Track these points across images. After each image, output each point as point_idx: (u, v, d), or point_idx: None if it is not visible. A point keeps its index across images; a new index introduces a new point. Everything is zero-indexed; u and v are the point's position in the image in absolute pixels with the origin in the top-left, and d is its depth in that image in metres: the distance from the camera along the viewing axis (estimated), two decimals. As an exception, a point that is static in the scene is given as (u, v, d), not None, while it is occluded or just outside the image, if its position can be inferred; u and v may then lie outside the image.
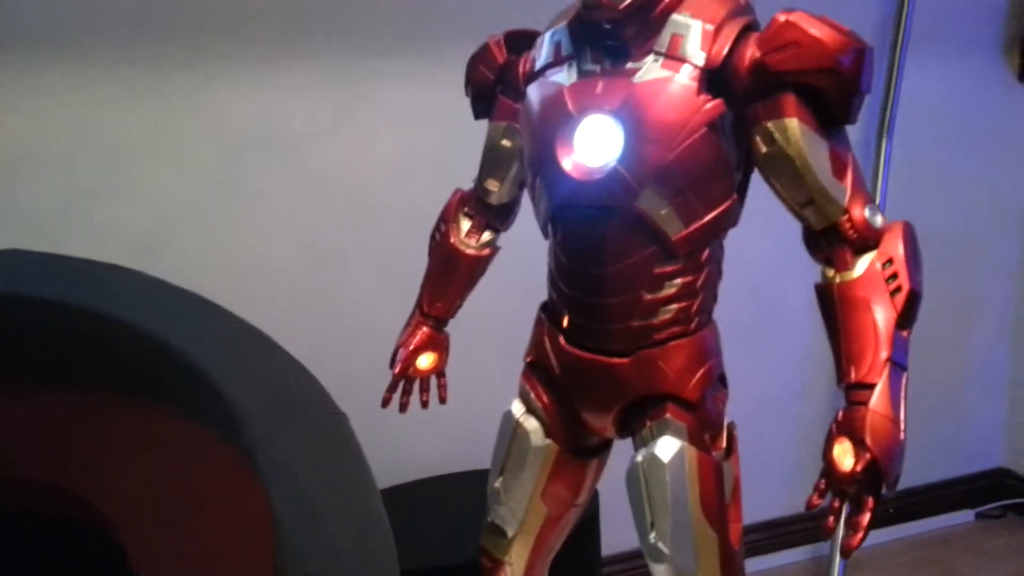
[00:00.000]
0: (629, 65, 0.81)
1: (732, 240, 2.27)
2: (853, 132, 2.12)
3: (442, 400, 1.15)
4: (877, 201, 1.98)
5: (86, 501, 1.27)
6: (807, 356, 2.24)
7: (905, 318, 0.78)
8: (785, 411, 2.27)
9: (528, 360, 0.98)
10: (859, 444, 0.76)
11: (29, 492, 1.34)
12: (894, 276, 0.78)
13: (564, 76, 0.85)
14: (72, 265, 1.49)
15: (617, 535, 1.55)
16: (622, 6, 0.78)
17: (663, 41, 0.79)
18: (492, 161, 1.01)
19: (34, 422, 1.40)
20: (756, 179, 0.93)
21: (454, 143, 1.44)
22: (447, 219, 1.08)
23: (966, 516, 2.56)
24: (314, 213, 1.77)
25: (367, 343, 1.72)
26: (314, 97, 1.72)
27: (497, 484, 1.03)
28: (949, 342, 2.44)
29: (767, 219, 2.27)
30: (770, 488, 2.26)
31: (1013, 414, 2.55)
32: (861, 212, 0.79)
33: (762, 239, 2.07)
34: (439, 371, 1.13)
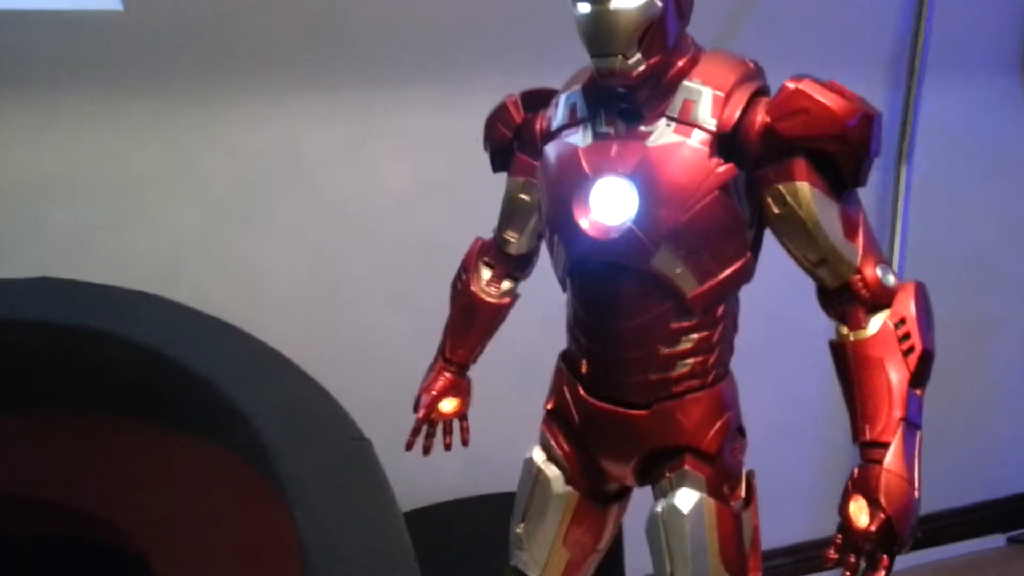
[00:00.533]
0: (642, 128, 0.82)
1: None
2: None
3: (464, 443, 1.17)
4: (898, 231, 1.98)
5: (113, 525, 1.28)
6: (825, 381, 2.21)
7: (918, 377, 0.79)
8: (804, 435, 2.25)
9: (548, 408, 0.99)
10: (874, 503, 0.78)
11: (56, 516, 1.35)
12: (907, 336, 0.79)
13: (579, 138, 0.87)
14: (98, 292, 1.52)
15: (642, 558, 1.54)
16: (635, 73, 0.79)
17: (675, 106, 0.81)
18: (511, 214, 1.04)
19: (61, 446, 1.42)
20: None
21: (463, 171, 1.46)
22: (468, 268, 1.10)
23: (997, 540, 2.52)
24: (327, 240, 1.78)
25: (381, 366, 1.74)
26: (326, 127, 1.74)
27: (519, 530, 1.04)
28: (971, 364, 2.43)
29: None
30: (791, 513, 2.24)
31: (1041, 436, 2.53)
32: (873, 271, 0.80)
33: (778, 265, 2.07)
34: (461, 415, 1.14)
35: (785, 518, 2.15)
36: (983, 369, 2.46)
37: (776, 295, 2.26)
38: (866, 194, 2.12)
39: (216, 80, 1.63)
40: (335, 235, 1.79)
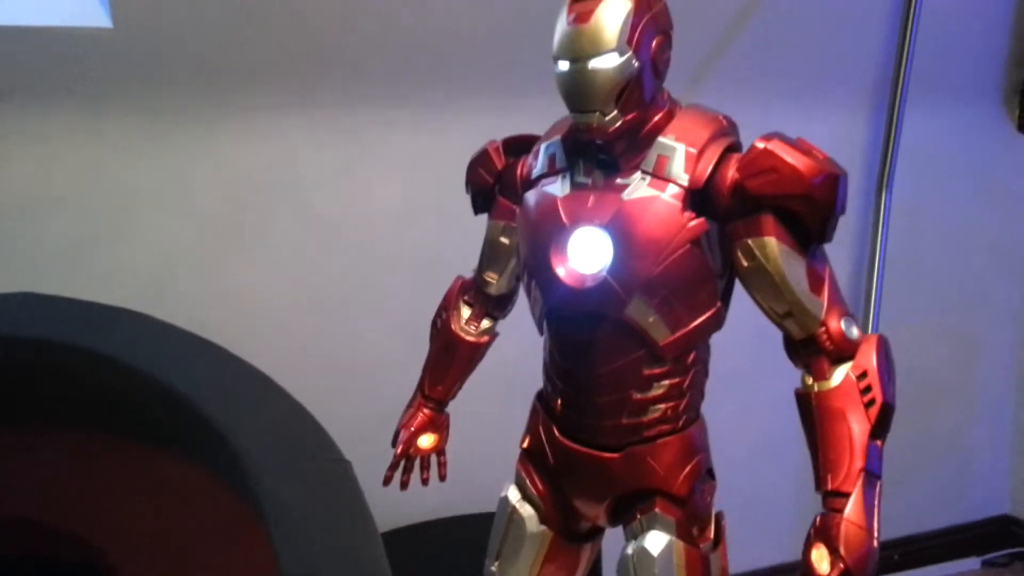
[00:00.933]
0: (618, 181, 0.85)
1: (738, 286, 2.30)
2: (853, 185, 2.17)
3: (442, 478, 1.19)
4: (877, 256, 2.00)
5: (90, 544, 1.28)
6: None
7: (879, 429, 0.82)
8: (788, 456, 2.26)
9: (524, 447, 1.01)
10: (834, 552, 0.80)
11: (32, 534, 1.35)
12: (868, 388, 0.82)
13: (558, 187, 0.89)
14: (82, 309, 1.51)
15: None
16: (611, 129, 0.83)
17: (650, 161, 0.84)
18: (491, 255, 1.06)
19: (41, 463, 1.41)
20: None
21: (454, 190, 1.47)
22: (448, 306, 1.12)
23: (972, 563, 2.53)
24: (318, 259, 1.79)
25: (369, 387, 1.74)
26: (319, 145, 1.75)
27: (494, 568, 1.06)
28: (952, 388, 2.45)
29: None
30: (773, 533, 2.25)
31: (1018, 460, 2.54)
32: (837, 324, 0.83)
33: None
34: (439, 450, 1.16)
35: (770, 538, 2.16)
36: (964, 391, 2.48)
37: (757, 311, 2.29)
38: (848, 219, 2.15)
39: (207, 98, 1.64)
40: (326, 253, 1.80)
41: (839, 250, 2.19)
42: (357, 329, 1.85)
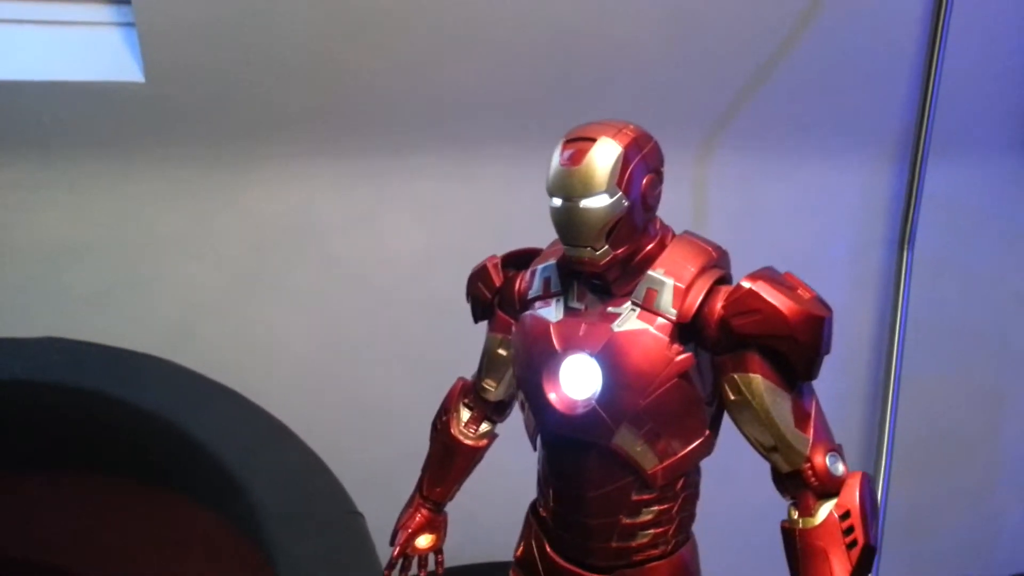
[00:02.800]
0: (610, 309, 0.87)
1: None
2: (874, 239, 2.16)
3: None
4: (899, 313, 1.98)
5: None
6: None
7: (859, 570, 0.82)
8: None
9: (516, 556, 1.01)
10: None
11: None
12: (851, 529, 0.82)
13: (552, 312, 0.91)
14: (105, 354, 1.54)
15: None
16: (602, 263, 0.84)
17: (639, 293, 0.86)
18: (489, 365, 1.08)
19: (59, 507, 1.43)
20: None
21: (475, 237, 1.48)
22: (448, 408, 1.13)
23: (999, 622, 2.49)
24: (339, 305, 1.81)
25: (387, 433, 1.75)
26: (341, 192, 1.77)
27: None
28: (976, 440, 2.41)
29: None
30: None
31: (1047, 515, 2.49)
32: (822, 461, 0.82)
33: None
34: (437, 550, 1.17)
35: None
36: (989, 444, 2.44)
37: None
38: (872, 272, 2.13)
39: (233, 148, 1.68)
40: (347, 299, 1.82)
41: (862, 303, 2.19)
42: (376, 375, 1.86)
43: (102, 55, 1.54)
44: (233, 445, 1.40)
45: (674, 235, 0.90)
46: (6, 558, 1.35)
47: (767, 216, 2.01)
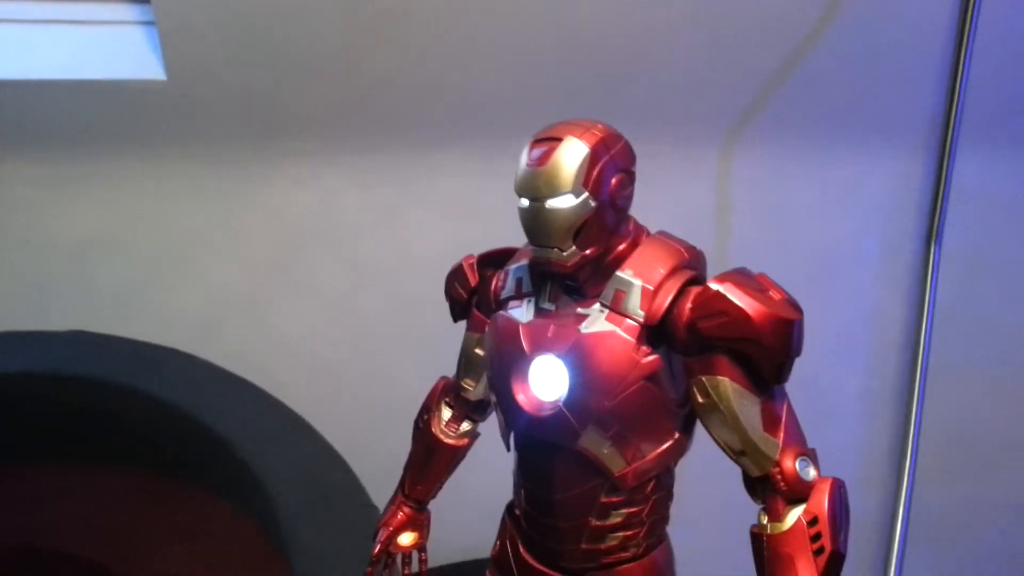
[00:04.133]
0: (579, 310, 0.86)
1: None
2: (905, 234, 2.12)
3: (422, 575, 1.20)
4: (926, 310, 1.94)
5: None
6: (864, 450, 2.19)
7: None
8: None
9: (492, 555, 1.01)
10: None
11: (72, 567, 1.39)
12: (818, 535, 0.80)
13: (523, 312, 0.90)
14: (131, 348, 1.57)
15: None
16: (570, 264, 0.83)
17: (608, 295, 0.85)
18: (467, 365, 1.07)
19: (82, 498, 1.46)
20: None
21: (498, 234, 1.48)
22: (430, 407, 1.14)
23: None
24: (361, 302, 1.82)
25: (405, 431, 1.74)
26: (365, 190, 1.78)
27: None
28: (1010, 443, 2.34)
29: (827, 311, 2.27)
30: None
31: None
32: (792, 465, 0.81)
33: (823, 330, 2.05)
34: (420, 547, 1.17)
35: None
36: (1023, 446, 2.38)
37: (812, 361, 2.24)
38: (900, 268, 2.09)
39: (257, 145, 1.69)
40: (369, 297, 1.83)
41: (893, 301, 2.16)
42: (396, 372, 1.86)
43: (124, 54, 1.56)
44: (252, 438, 1.42)
45: (648, 235, 0.88)
46: (29, 547, 1.38)
47: (793, 212, 1.98)
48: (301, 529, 1.28)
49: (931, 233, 1.94)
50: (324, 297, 1.79)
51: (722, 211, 1.97)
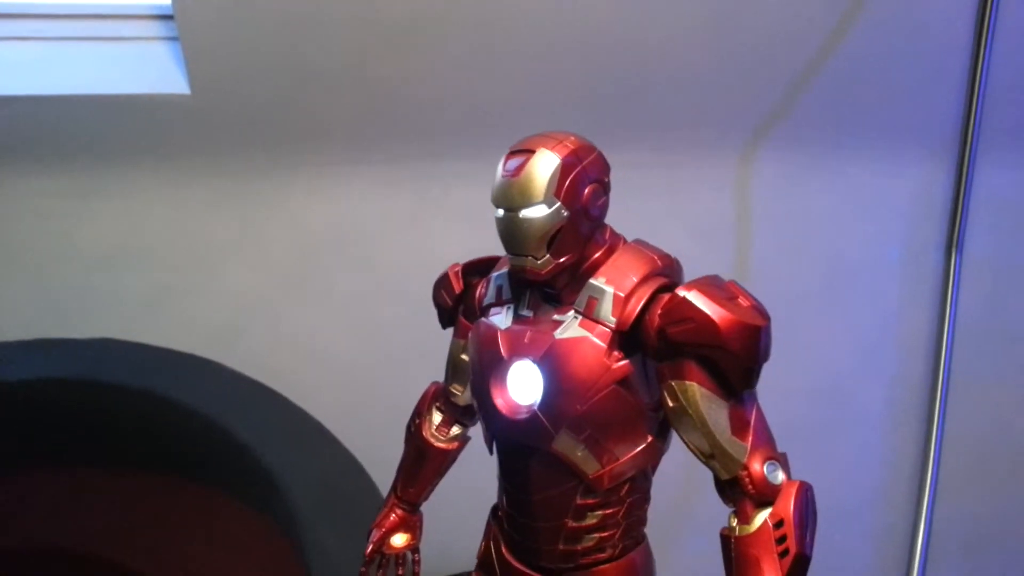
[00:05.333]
0: (555, 317, 0.88)
1: (812, 339, 2.24)
2: (928, 242, 2.10)
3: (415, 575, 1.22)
4: (948, 317, 1.93)
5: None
6: (887, 459, 2.17)
7: None
8: (861, 518, 2.19)
9: (478, 556, 1.03)
10: None
11: (102, 571, 1.42)
12: (783, 538, 0.80)
13: (502, 319, 0.93)
14: (156, 355, 1.61)
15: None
16: (544, 271, 0.86)
17: (581, 302, 0.87)
18: (454, 370, 1.10)
19: (109, 501, 1.50)
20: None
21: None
22: (421, 412, 1.16)
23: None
24: (381, 310, 1.84)
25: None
26: (384, 200, 1.80)
27: None
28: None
29: (848, 319, 2.26)
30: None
31: None
32: (760, 469, 0.82)
33: (842, 340, 2.04)
34: (413, 548, 1.19)
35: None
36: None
37: (834, 369, 2.23)
38: (923, 278, 2.07)
39: (278, 156, 1.73)
40: (389, 305, 1.85)
41: (916, 309, 2.14)
42: (414, 379, 1.87)
43: (150, 69, 1.61)
44: (273, 444, 1.45)
45: (625, 243, 0.90)
46: (56, 548, 1.42)
47: (813, 220, 1.98)
48: (319, 532, 1.30)
49: (952, 240, 1.92)
50: (343, 305, 1.82)
51: (742, 219, 1.97)
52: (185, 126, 1.63)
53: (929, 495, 2.01)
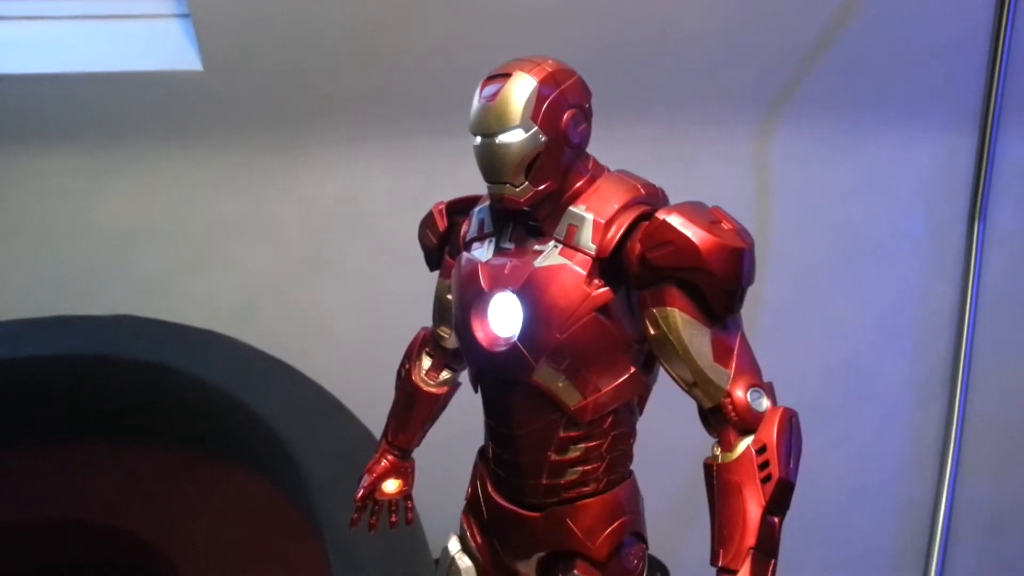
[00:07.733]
0: (535, 247, 0.87)
1: (832, 314, 2.21)
2: (952, 214, 2.06)
3: (408, 522, 1.21)
4: (970, 289, 1.90)
5: (160, 551, 1.36)
6: (908, 435, 2.15)
7: (774, 506, 0.78)
8: (884, 493, 2.17)
9: (466, 498, 1.03)
10: None
11: (114, 542, 1.44)
12: (766, 464, 0.79)
13: (483, 252, 0.92)
14: (171, 331, 1.62)
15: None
16: (523, 199, 0.84)
17: (561, 230, 0.85)
18: (441, 312, 1.09)
19: (126, 474, 1.52)
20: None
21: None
22: (411, 357, 1.16)
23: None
24: (392, 286, 1.84)
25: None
26: (395, 177, 1.81)
27: None
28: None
29: (869, 294, 2.22)
30: (870, 571, 2.16)
31: None
32: (743, 395, 0.80)
33: (863, 315, 2.01)
34: (406, 495, 1.19)
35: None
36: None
37: (855, 344, 2.20)
38: (946, 249, 2.03)
39: (290, 133, 1.73)
40: (400, 281, 1.84)
41: (933, 282, 2.11)
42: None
43: (162, 46, 1.61)
44: (286, 416, 1.46)
45: (609, 173, 0.88)
46: (74, 519, 1.43)
47: (833, 193, 1.95)
48: (332, 503, 1.31)
49: (974, 212, 1.89)
50: (355, 280, 1.83)
51: (760, 193, 1.95)
52: (198, 103, 1.64)
53: (951, 472, 1.99)
